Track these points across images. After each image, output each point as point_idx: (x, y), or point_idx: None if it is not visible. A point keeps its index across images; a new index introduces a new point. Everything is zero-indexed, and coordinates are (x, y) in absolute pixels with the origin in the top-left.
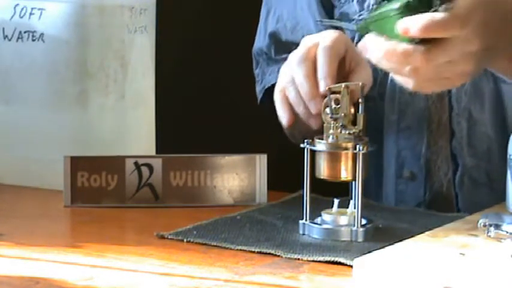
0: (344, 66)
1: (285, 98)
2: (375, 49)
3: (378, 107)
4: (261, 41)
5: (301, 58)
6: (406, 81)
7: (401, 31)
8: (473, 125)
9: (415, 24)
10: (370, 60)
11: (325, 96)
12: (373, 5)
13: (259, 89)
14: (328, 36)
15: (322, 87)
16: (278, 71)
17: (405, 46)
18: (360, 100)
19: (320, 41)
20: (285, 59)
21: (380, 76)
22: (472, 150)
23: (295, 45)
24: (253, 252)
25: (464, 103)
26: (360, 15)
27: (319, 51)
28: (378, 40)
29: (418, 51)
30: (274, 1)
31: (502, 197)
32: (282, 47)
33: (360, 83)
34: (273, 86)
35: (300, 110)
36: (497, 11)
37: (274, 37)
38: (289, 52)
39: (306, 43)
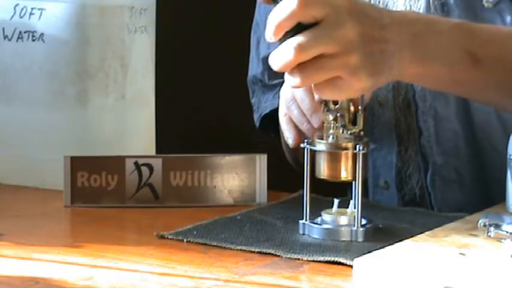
0: None
1: (290, 119)
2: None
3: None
4: (254, 68)
5: None
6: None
7: (268, 40)
8: (439, 122)
9: (270, 28)
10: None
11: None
12: None
13: (256, 117)
14: None
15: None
16: (273, 98)
17: (278, 47)
18: (360, 107)
19: None
20: (279, 84)
21: None
22: (440, 148)
23: None
24: (253, 252)
25: (429, 101)
26: None
27: None
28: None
29: (287, 44)
30: (263, 29)
31: (473, 193)
32: (276, 72)
33: None
34: (269, 113)
35: (303, 127)
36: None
37: (267, 62)
38: (283, 77)
39: None
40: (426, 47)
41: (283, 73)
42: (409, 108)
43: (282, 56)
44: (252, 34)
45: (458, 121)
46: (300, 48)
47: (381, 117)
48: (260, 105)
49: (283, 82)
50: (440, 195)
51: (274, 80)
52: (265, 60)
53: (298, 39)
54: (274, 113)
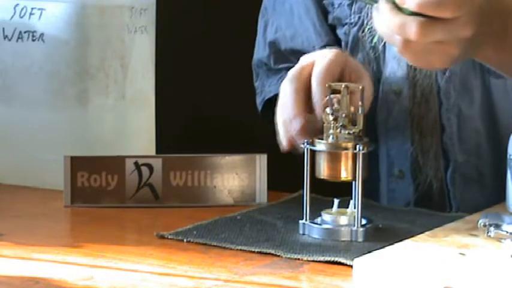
0: (344, 81)
1: (284, 122)
2: (379, 14)
3: (371, 109)
4: (260, 52)
5: (291, 77)
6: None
7: (399, 0)
8: (463, 121)
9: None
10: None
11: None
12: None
13: (259, 101)
14: (322, 59)
15: (314, 84)
16: (277, 82)
17: (402, 17)
18: (360, 103)
19: (315, 64)
20: (284, 68)
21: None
22: (462, 146)
23: (295, 53)
24: (253, 252)
25: (453, 99)
26: (350, 20)
27: (313, 78)
28: (384, 6)
29: (413, 23)
30: (271, 13)
31: (492, 193)
32: (281, 56)
33: (360, 86)
34: (272, 97)
35: (289, 131)
36: None
37: (273, 46)
38: (288, 62)
39: (301, 62)
40: (510, 40)
41: (288, 59)
42: (428, 100)
43: (400, 25)
44: (259, 18)
45: (481, 120)
46: (424, 33)
47: (396, 106)
48: (264, 89)
49: (288, 67)
50: (460, 193)
51: (279, 64)
52: (271, 44)
53: (426, 23)
54: (278, 97)
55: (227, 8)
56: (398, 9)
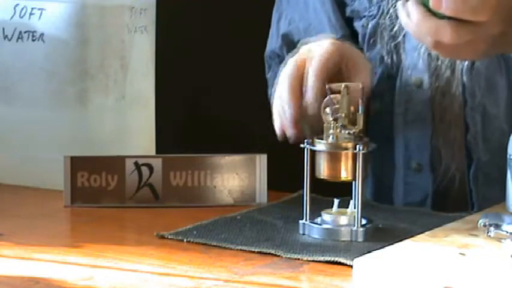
0: (342, 74)
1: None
2: (410, 16)
3: (387, 101)
4: (273, 43)
5: (287, 74)
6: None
7: (433, 5)
8: (487, 120)
9: (448, 1)
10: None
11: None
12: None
13: (270, 92)
14: (318, 53)
15: (309, 82)
16: None
17: (435, 20)
18: (360, 101)
19: (308, 61)
20: None
21: (388, 69)
22: (486, 145)
23: None
24: (253, 252)
25: (478, 98)
26: (369, 12)
27: (310, 72)
28: (416, 6)
29: (447, 27)
30: (285, 5)
31: None
32: (294, 48)
33: (360, 85)
34: None
35: (283, 121)
36: None
37: (286, 38)
38: None
39: (295, 60)
40: None
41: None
42: (452, 93)
43: (433, 28)
44: (274, 10)
45: (506, 120)
46: (457, 36)
47: (415, 97)
48: (276, 80)
49: None
50: (482, 192)
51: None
52: (284, 36)
53: (459, 27)
54: None
55: (227, 8)
56: (431, 12)
